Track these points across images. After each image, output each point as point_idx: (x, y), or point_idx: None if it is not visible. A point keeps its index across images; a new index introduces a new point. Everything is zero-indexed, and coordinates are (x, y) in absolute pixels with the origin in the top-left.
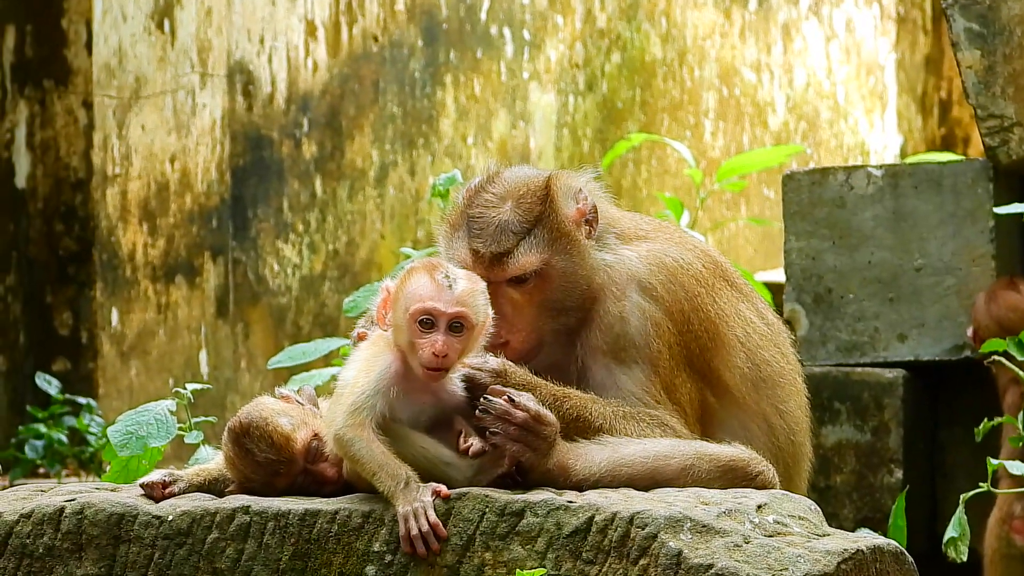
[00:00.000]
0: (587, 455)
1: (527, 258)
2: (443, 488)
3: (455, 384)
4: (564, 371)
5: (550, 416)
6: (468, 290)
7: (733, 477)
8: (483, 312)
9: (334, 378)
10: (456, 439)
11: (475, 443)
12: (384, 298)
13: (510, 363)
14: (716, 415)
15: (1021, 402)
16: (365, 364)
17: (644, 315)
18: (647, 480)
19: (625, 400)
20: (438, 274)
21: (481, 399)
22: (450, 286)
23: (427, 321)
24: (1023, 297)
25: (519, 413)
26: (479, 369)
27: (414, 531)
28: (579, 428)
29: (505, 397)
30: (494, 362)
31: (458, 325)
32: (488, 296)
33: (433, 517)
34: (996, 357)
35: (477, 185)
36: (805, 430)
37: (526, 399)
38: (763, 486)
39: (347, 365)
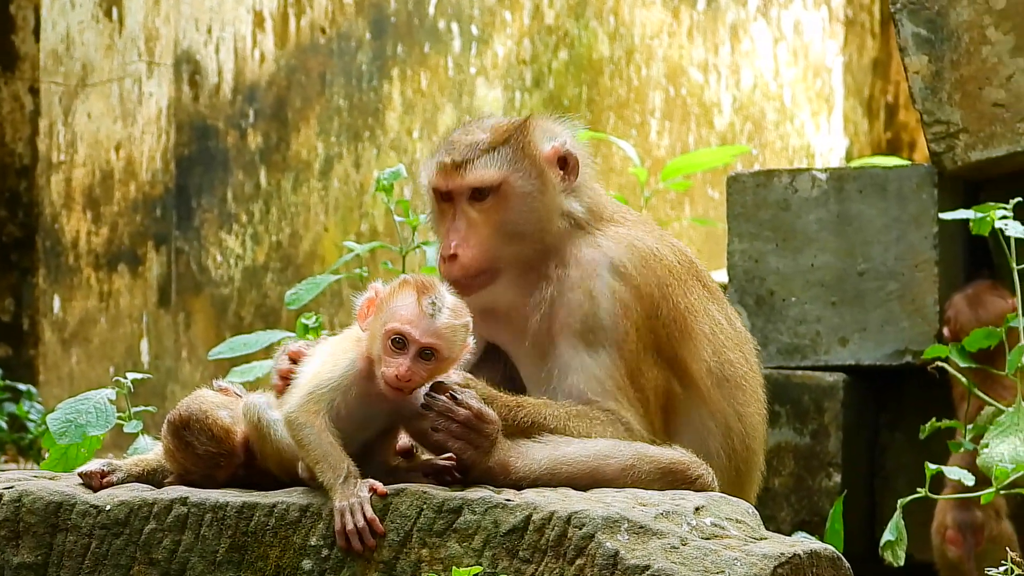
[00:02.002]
0: (528, 453)
1: (487, 170)
2: (379, 485)
3: (415, 398)
4: (518, 324)
5: (492, 414)
6: (448, 324)
7: (673, 479)
8: (459, 347)
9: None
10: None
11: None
12: (369, 299)
13: (471, 376)
14: (681, 407)
15: (970, 409)
16: (331, 357)
17: (614, 295)
18: (587, 479)
19: (587, 383)
20: (426, 299)
21: (424, 395)
22: (432, 315)
23: (400, 341)
24: (1008, 305)
25: (461, 411)
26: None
27: (349, 526)
28: (533, 433)
29: (448, 394)
30: (456, 376)
31: (429, 353)
32: (469, 329)
33: (370, 513)
34: (939, 364)
35: (464, 122)
36: (760, 438)
37: (468, 396)
38: (702, 489)
39: (311, 354)
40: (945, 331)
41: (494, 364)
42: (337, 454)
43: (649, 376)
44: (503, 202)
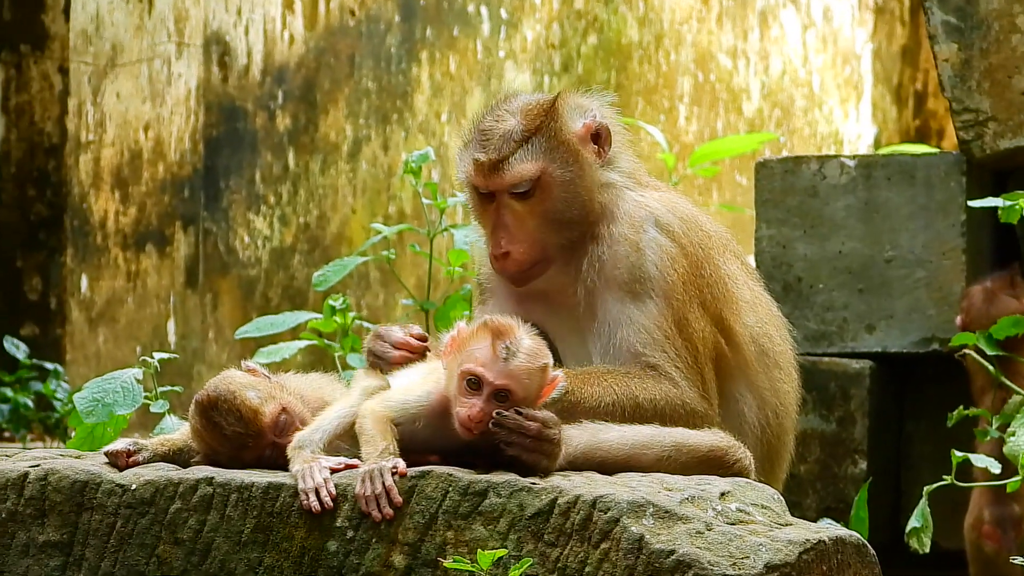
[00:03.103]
0: (566, 440)
1: (523, 165)
2: (402, 465)
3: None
4: (567, 296)
5: (553, 417)
6: (523, 367)
7: (711, 466)
8: (534, 389)
9: (300, 352)
10: None
11: None
12: (453, 337)
13: None
14: (727, 370)
15: (996, 398)
16: (421, 378)
17: (660, 248)
18: (621, 468)
19: (636, 334)
20: (501, 342)
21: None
22: (506, 358)
23: (474, 383)
24: (1021, 305)
25: (532, 424)
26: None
27: (368, 492)
28: (569, 398)
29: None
30: None
31: (504, 395)
32: (546, 370)
33: (389, 481)
34: (967, 351)
35: (493, 103)
36: (792, 420)
37: (540, 413)
38: (739, 473)
39: (415, 368)
40: (957, 319)
41: None
42: (381, 439)
43: (696, 327)
44: (545, 193)
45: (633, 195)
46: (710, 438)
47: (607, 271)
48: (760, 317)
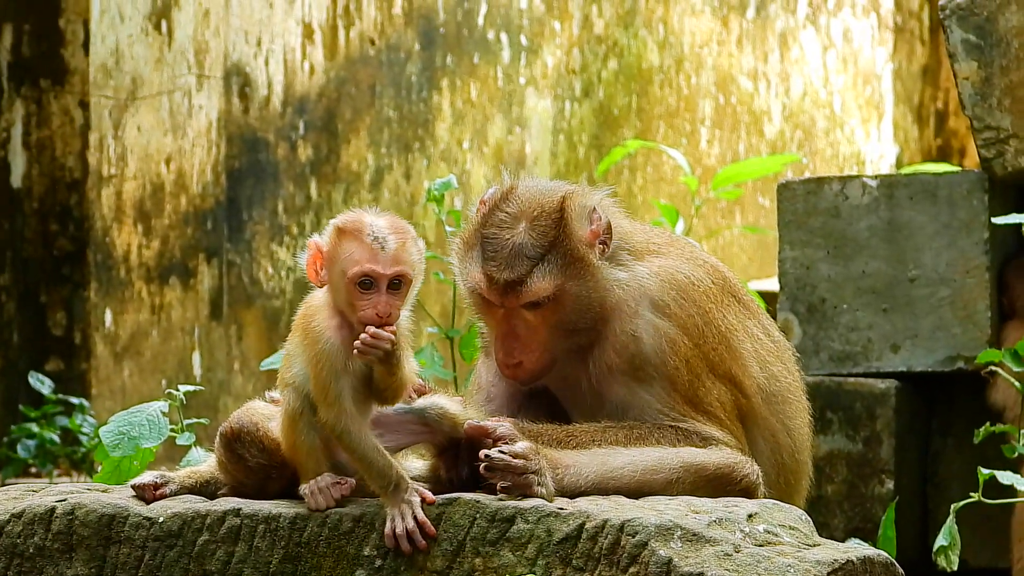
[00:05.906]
0: (576, 469)
1: (541, 284)
2: (428, 493)
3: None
4: (575, 386)
5: (530, 447)
6: (400, 246)
7: (719, 484)
8: (418, 264)
9: None
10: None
11: None
12: (314, 255)
13: (512, 420)
14: (745, 422)
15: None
16: (314, 353)
17: (658, 333)
18: (634, 494)
19: (650, 416)
20: (367, 236)
21: (482, 455)
22: (383, 247)
23: (367, 282)
24: None
25: (518, 462)
26: (491, 434)
27: (399, 529)
28: None
29: (496, 449)
30: (504, 428)
31: (397, 282)
32: (416, 238)
33: (421, 515)
34: (993, 368)
35: (491, 203)
36: (808, 449)
37: (520, 448)
38: (747, 487)
39: (293, 357)
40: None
41: (541, 402)
42: (382, 459)
43: (711, 397)
44: (559, 305)
45: (628, 276)
46: (716, 456)
47: (608, 361)
48: (763, 361)
